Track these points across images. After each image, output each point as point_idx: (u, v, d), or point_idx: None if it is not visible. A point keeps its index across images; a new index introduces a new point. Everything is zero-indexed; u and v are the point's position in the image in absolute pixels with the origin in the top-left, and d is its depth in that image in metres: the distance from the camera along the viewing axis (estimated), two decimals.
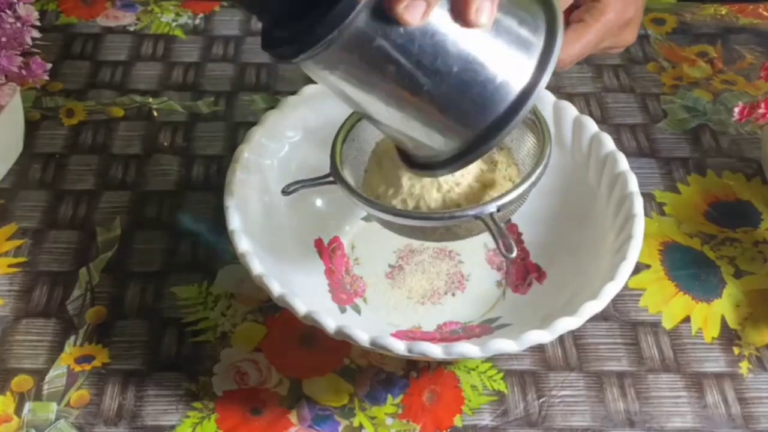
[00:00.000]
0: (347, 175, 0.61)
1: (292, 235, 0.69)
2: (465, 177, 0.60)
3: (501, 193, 0.58)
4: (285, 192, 0.62)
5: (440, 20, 0.47)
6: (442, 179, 0.59)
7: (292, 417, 0.62)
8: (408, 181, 0.60)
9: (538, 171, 0.58)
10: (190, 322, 0.67)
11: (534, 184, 0.58)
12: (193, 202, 0.76)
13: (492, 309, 0.67)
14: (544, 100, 0.70)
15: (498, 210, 0.56)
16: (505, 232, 0.55)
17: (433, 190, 0.60)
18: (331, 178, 0.61)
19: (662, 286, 0.70)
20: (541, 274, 0.68)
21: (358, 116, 0.63)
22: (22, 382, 0.64)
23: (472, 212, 0.56)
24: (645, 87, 0.87)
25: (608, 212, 0.66)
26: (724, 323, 0.68)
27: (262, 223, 0.66)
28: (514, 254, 0.54)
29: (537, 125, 0.61)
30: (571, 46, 0.62)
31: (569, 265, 0.67)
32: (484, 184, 0.61)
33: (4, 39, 0.70)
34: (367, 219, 0.73)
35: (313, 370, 0.65)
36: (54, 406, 0.62)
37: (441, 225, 0.59)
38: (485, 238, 0.72)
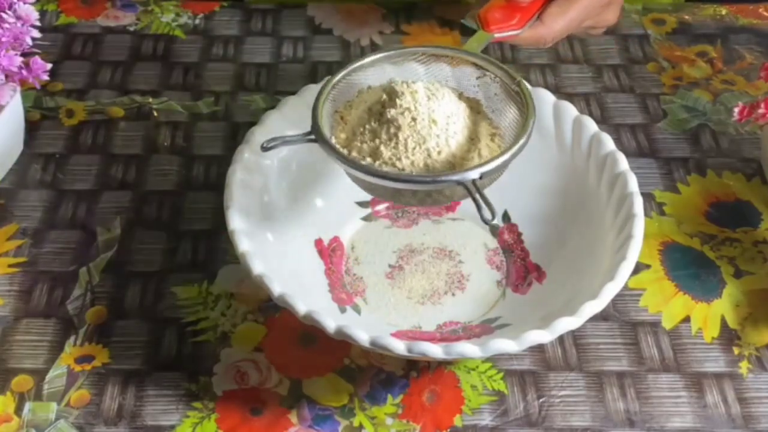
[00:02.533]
0: (328, 134, 0.61)
1: (292, 235, 0.69)
2: (447, 144, 0.60)
3: (483, 161, 0.58)
4: (264, 148, 0.61)
5: None
6: (430, 144, 0.60)
7: (292, 417, 0.62)
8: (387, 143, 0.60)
9: (521, 141, 0.59)
10: (190, 322, 0.67)
11: (515, 154, 0.59)
12: (193, 202, 0.76)
13: (492, 309, 0.67)
14: (544, 100, 0.70)
15: (480, 177, 0.57)
16: (487, 200, 0.56)
17: (417, 154, 0.60)
18: (312, 136, 0.60)
19: (662, 286, 0.70)
20: (541, 274, 0.69)
21: (342, 75, 0.63)
22: (22, 382, 0.64)
23: (454, 177, 0.57)
24: (645, 87, 0.87)
25: (608, 212, 0.66)
26: (724, 323, 0.68)
27: (262, 223, 0.66)
28: (496, 220, 0.55)
29: (521, 98, 0.62)
30: (555, 22, 0.63)
31: (569, 265, 0.67)
32: (466, 152, 0.61)
33: (4, 39, 0.70)
34: (367, 219, 0.73)
35: (313, 370, 0.65)
36: (54, 406, 0.62)
37: (422, 189, 0.59)
38: (485, 238, 0.72)
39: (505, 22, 0.66)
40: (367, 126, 0.61)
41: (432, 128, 0.60)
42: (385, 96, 0.61)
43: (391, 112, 0.60)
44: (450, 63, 0.65)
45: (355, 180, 0.62)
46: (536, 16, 0.68)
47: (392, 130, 0.60)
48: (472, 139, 0.61)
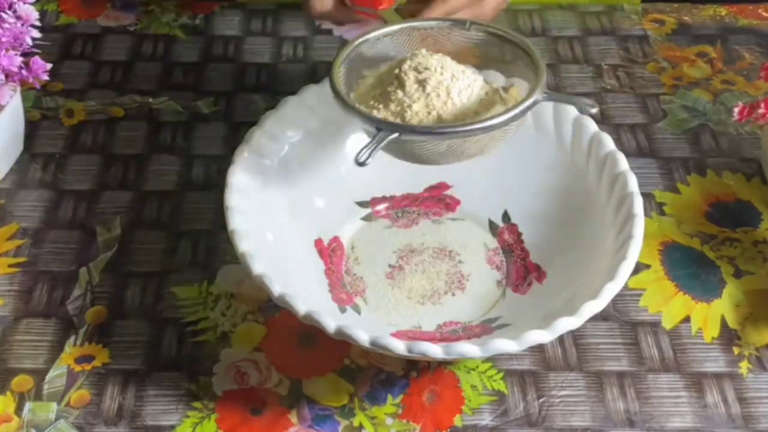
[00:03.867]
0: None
1: (292, 235, 0.69)
2: (459, 97, 0.63)
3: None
4: (360, 163, 0.59)
5: None
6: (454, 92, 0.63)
7: (292, 417, 0.62)
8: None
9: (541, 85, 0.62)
10: (190, 322, 0.67)
11: (534, 103, 0.61)
12: (193, 202, 0.76)
13: (492, 309, 0.67)
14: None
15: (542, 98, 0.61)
16: (570, 94, 0.62)
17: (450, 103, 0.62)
18: (393, 132, 0.60)
19: (662, 286, 0.70)
20: (541, 274, 0.68)
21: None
22: (22, 382, 0.64)
23: (527, 103, 0.60)
24: (645, 87, 0.87)
25: (608, 212, 0.66)
26: (724, 323, 0.68)
27: (263, 224, 0.66)
28: (596, 109, 0.61)
29: (531, 65, 0.64)
30: (435, 10, 0.69)
31: (569, 265, 0.67)
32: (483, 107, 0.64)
33: (4, 39, 0.70)
34: (367, 219, 0.73)
35: (313, 370, 0.65)
36: (54, 406, 0.62)
37: (480, 132, 0.60)
38: (485, 238, 0.72)
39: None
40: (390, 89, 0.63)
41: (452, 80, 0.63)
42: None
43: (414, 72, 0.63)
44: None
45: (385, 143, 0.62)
46: None
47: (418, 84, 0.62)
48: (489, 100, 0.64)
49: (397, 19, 0.69)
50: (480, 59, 0.67)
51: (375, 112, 0.62)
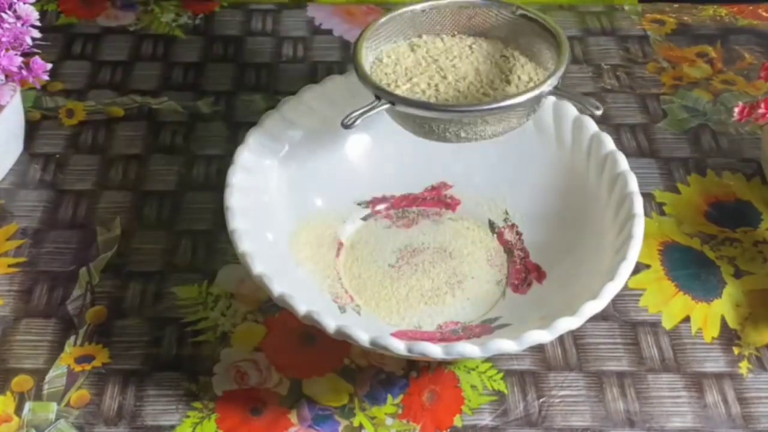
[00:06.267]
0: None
1: (292, 235, 0.69)
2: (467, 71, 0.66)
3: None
4: (346, 125, 0.61)
5: None
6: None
7: (292, 417, 0.62)
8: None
9: (565, 48, 0.63)
10: (190, 322, 0.67)
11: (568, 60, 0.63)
12: (193, 202, 0.76)
13: (492, 309, 0.67)
14: (544, 100, 0.71)
15: (557, 85, 0.62)
16: (578, 94, 0.62)
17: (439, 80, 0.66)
18: (383, 102, 0.62)
19: (662, 286, 0.70)
20: (541, 274, 0.68)
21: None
22: (22, 382, 0.64)
23: (537, 91, 0.61)
24: (645, 87, 0.87)
25: (608, 212, 0.66)
26: (724, 323, 0.68)
27: (262, 224, 0.66)
28: (601, 110, 0.60)
29: (552, 36, 0.66)
30: None
31: (569, 265, 0.67)
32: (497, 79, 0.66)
33: (4, 39, 0.70)
34: (367, 219, 0.73)
35: (313, 370, 0.65)
36: (54, 406, 0.62)
37: (521, 106, 0.62)
38: (485, 238, 0.72)
39: None
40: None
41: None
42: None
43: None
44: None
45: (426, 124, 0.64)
46: None
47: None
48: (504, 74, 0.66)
49: None
50: (507, 40, 0.69)
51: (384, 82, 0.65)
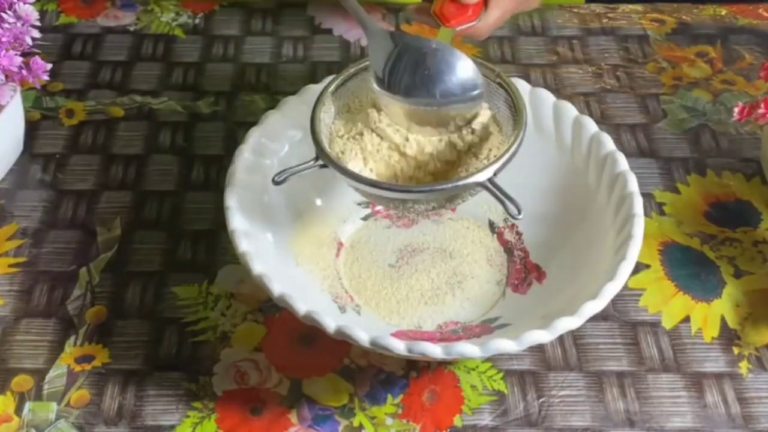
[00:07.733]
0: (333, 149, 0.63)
1: (292, 235, 0.69)
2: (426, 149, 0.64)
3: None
4: (276, 182, 0.61)
5: None
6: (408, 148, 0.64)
7: (292, 417, 0.62)
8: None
9: (521, 135, 0.61)
10: (190, 322, 0.67)
11: (518, 148, 0.61)
12: (193, 202, 0.76)
13: (492, 309, 0.67)
14: (544, 100, 0.71)
15: (494, 174, 0.59)
16: (508, 194, 0.58)
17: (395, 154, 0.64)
18: (320, 162, 0.61)
19: (662, 286, 0.70)
20: (541, 274, 0.69)
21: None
22: (22, 382, 0.64)
23: (473, 180, 0.59)
24: (645, 87, 0.87)
25: (608, 212, 0.66)
26: (723, 323, 0.68)
27: (262, 223, 0.66)
28: (522, 215, 0.57)
29: (507, 92, 0.64)
30: (491, 14, 0.67)
31: (569, 265, 0.67)
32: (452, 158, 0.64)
33: (4, 39, 0.70)
34: (367, 219, 0.73)
35: (313, 370, 0.65)
36: (54, 406, 0.62)
37: (441, 196, 0.61)
38: (485, 238, 0.72)
39: (462, 15, 0.67)
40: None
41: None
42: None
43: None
44: None
45: (366, 194, 0.63)
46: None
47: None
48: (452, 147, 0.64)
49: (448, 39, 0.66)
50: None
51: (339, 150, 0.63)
